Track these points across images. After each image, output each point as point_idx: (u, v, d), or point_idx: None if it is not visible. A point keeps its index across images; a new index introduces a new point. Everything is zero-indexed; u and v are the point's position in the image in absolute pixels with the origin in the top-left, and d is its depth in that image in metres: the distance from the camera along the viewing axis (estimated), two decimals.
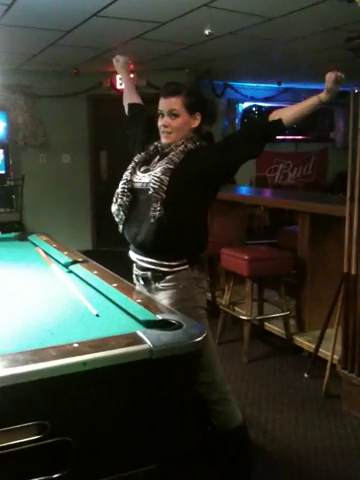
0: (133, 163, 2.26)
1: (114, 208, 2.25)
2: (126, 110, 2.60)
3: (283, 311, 3.65)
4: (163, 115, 2.15)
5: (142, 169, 2.21)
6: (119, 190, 2.22)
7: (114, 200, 2.25)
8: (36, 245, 3.00)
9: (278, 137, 8.88)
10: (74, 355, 1.40)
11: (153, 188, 2.05)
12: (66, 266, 2.52)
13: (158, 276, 2.18)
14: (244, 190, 5.68)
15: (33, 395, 1.34)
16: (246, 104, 8.49)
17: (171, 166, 2.07)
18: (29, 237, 3.27)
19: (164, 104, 2.13)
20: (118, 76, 6.37)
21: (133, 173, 2.23)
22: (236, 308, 4.01)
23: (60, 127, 6.58)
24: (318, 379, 3.17)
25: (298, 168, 9.25)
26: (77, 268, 2.36)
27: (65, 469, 1.41)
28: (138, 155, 2.29)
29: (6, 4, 3.65)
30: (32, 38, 4.71)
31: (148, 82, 6.42)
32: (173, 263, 2.15)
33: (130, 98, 2.64)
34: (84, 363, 1.38)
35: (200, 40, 4.73)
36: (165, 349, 1.49)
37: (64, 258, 2.61)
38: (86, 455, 1.46)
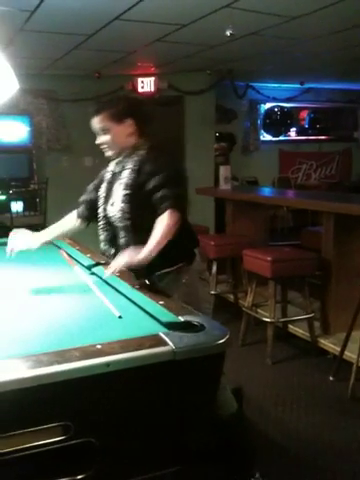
0: (102, 199, 2.30)
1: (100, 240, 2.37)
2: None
3: (307, 313, 3.60)
4: (98, 134, 2.23)
5: (110, 202, 2.25)
6: (99, 225, 2.32)
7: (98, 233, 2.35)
8: (59, 247, 3.04)
9: (301, 137, 8.83)
10: (97, 356, 1.41)
11: (117, 218, 2.18)
12: (89, 268, 2.54)
13: (159, 277, 2.22)
14: (267, 191, 5.65)
15: (57, 396, 1.35)
16: (268, 105, 8.44)
17: (127, 191, 2.14)
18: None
19: (94, 124, 2.21)
20: (140, 79, 6.40)
21: (105, 207, 2.27)
22: (259, 310, 3.98)
23: (82, 130, 6.56)
24: (344, 382, 3.12)
25: (322, 168, 9.14)
26: (100, 270, 2.37)
27: (89, 470, 1.42)
28: (101, 189, 2.32)
29: (29, 10, 3.71)
30: (55, 43, 4.77)
31: (169, 84, 6.44)
32: (169, 269, 2.20)
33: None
34: (107, 364, 1.39)
35: (222, 41, 4.72)
36: (188, 351, 1.49)
37: (87, 260, 2.63)
38: (110, 456, 1.47)
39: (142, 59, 5.83)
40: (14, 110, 6.01)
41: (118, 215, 2.17)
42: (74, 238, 3.25)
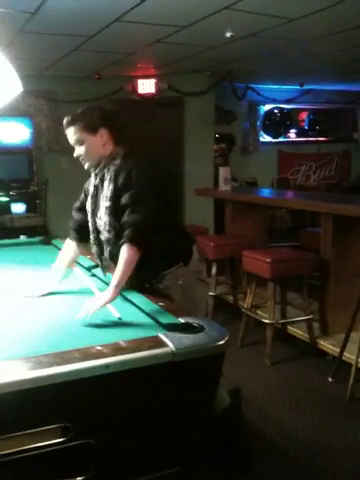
0: (90, 213, 2.27)
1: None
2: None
3: (306, 314, 3.61)
4: (74, 147, 2.20)
5: (98, 215, 2.23)
6: (90, 239, 2.31)
7: None
8: (60, 249, 3.04)
9: (300, 139, 8.84)
10: (97, 358, 1.42)
11: (103, 231, 2.19)
12: (89, 270, 2.55)
13: (157, 279, 2.23)
14: (266, 192, 5.66)
15: (57, 397, 1.36)
16: (268, 106, 8.44)
17: (107, 203, 2.13)
18: (53, 241, 3.32)
19: (68, 137, 2.19)
20: (140, 81, 6.41)
21: (94, 221, 2.26)
22: (258, 311, 3.99)
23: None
24: (343, 383, 3.12)
25: (321, 169, 9.14)
26: (100, 272, 2.38)
27: (88, 472, 1.42)
28: (87, 203, 2.30)
29: (30, 12, 3.71)
30: (55, 44, 4.78)
31: (169, 85, 6.45)
32: (166, 271, 2.21)
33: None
34: (107, 366, 1.40)
35: (221, 42, 4.73)
36: (187, 352, 1.50)
37: (87, 262, 2.64)
38: (109, 457, 1.47)
39: (142, 60, 5.84)
40: (15, 112, 6.01)
41: (105, 228, 2.17)
42: None
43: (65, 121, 2.17)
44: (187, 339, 1.55)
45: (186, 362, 1.49)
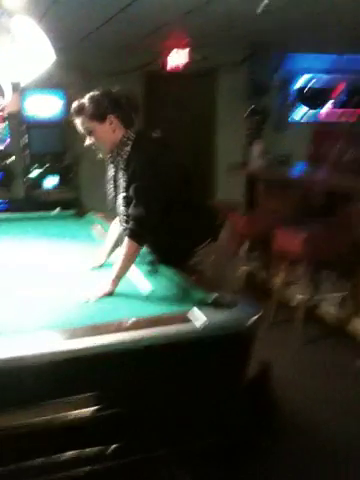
0: (113, 200, 2.27)
1: None
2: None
3: (339, 293, 3.55)
4: (85, 135, 2.17)
5: (117, 203, 2.22)
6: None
7: None
8: (93, 222, 3.07)
9: (338, 111, 8.57)
10: (129, 331, 1.43)
11: (122, 221, 2.19)
12: None
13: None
14: (299, 168, 5.54)
15: (90, 368, 1.38)
16: (304, 77, 8.18)
17: (123, 193, 2.12)
18: (86, 214, 3.35)
19: (77, 127, 2.15)
20: (172, 53, 6.30)
21: (115, 207, 2.26)
22: (290, 289, 3.95)
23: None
24: None
25: (358, 145, 8.86)
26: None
27: (120, 441, 1.45)
28: (109, 188, 2.30)
29: None
30: (88, 15, 4.73)
31: (202, 57, 6.31)
32: (196, 248, 2.20)
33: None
34: (139, 339, 1.41)
35: (257, 12, 4.58)
36: (219, 327, 1.50)
37: None
38: (140, 428, 1.50)
39: (175, 32, 5.73)
40: (48, 84, 6.01)
41: (122, 218, 2.18)
42: (107, 214, 3.27)
43: (72, 110, 2.13)
44: (219, 315, 1.55)
45: (217, 337, 1.49)
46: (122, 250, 1.99)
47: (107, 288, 1.93)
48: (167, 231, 2.13)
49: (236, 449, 1.78)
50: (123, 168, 2.11)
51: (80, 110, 2.10)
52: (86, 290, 1.91)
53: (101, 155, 2.22)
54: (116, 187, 2.21)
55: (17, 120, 5.90)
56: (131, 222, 2.00)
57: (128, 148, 2.10)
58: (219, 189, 6.73)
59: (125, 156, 2.11)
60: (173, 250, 2.16)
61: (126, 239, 2.00)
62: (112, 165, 2.24)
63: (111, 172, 2.26)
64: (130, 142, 2.11)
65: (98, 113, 2.08)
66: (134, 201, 2.02)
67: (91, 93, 2.12)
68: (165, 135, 2.26)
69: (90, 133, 2.12)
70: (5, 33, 2.31)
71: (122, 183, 2.11)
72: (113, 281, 1.94)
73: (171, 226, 2.12)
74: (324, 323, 3.79)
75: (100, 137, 2.12)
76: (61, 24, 5.03)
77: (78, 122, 2.12)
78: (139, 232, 2.00)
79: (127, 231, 2.00)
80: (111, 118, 2.09)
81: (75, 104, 2.13)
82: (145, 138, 2.16)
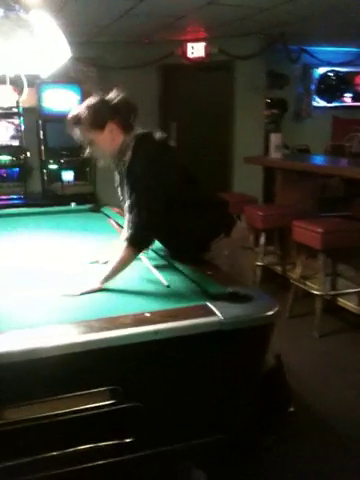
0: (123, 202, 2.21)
1: None
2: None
3: (357, 286, 3.51)
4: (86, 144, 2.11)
5: (124, 208, 2.17)
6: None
7: None
8: (109, 216, 3.08)
9: (356, 103, 8.44)
10: (146, 324, 1.43)
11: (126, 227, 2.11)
12: None
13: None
14: (318, 159, 5.47)
15: (107, 361, 1.39)
16: (322, 69, 8.07)
17: (128, 201, 2.05)
18: (102, 209, 3.36)
19: (76, 136, 2.08)
20: (190, 44, 6.26)
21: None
22: (308, 282, 3.91)
23: (131, 98, 6.62)
24: None
25: None
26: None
27: (136, 434, 1.46)
28: (120, 196, 2.26)
29: None
30: (105, 9, 4.72)
31: (220, 49, 6.26)
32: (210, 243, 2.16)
33: None
34: (156, 332, 1.41)
35: (275, 3, 4.52)
36: (235, 321, 1.49)
37: None
38: (156, 422, 1.51)
39: (192, 24, 5.69)
40: (64, 79, 6.03)
41: (128, 224, 2.13)
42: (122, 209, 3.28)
43: (69, 120, 2.07)
44: (235, 308, 1.54)
45: (234, 332, 1.48)
46: (118, 253, 1.95)
47: (92, 287, 1.89)
48: (175, 231, 2.11)
49: (247, 445, 1.77)
50: (126, 175, 2.07)
51: (78, 120, 2.04)
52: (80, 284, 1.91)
53: (102, 163, 2.17)
54: (123, 194, 2.18)
55: (33, 115, 5.94)
56: (131, 228, 1.95)
57: (129, 154, 2.05)
58: (236, 181, 6.69)
59: (127, 163, 2.06)
60: (184, 248, 2.15)
61: (125, 245, 1.95)
62: (117, 172, 2.21)
63: (117, 178, 2.23)
64: (130, 148, 2.05)
65: (97, 122, 2.02)
66: (135, 208, 1.96)
67: (88, 101, 2.06)
68: (166, 135, 2.17)
69: (91, 143, 2.07)
70: (22, 28, 2.32)
71: (127, 190, 2.07)
72: (101, 281, 1.90)
73: (178, 226, 2.09)
74: (342, 316, 3.76)
75: (101, 146, 2.07)
76: (78, 18, 5.03)
77: (77, 132, 2.06)
78: (138, 239, 1.95)
79: (128, 236, 1.96)
80: (111, 125, 2.03)
81: (72, 113, 2.07)
82: (145, 141, 2.08)
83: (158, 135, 2.12)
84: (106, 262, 2.09)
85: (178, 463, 1.78)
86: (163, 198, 2.00)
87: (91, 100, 2.07)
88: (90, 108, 2.03)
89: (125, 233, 2.10)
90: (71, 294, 1.84)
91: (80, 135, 2.06)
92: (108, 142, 2.06)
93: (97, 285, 1.90)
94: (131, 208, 1.99)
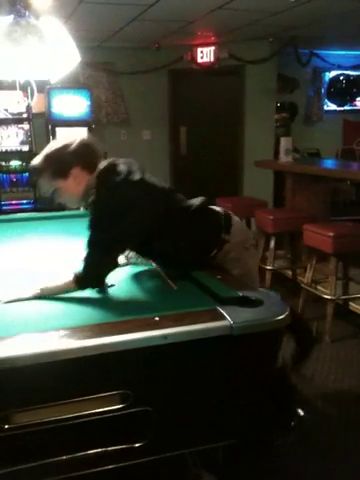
0: None
1: None
2: None
3: None
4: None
5: None
6: None
7: None
8: None
9: None
10: (155, 328, 1.42)
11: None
12: None
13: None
14: (329, 163, 5.44)
15: (116, 365, 1.38)
16: (333, 73, 8.04)
17: None
18: None
19: (43, 184, 2.06)
20: (199, 49, 6.27)
21: None
22: (318, 286, 3.88)
23: (141, 103, 6.63)
24: None
25: None
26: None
27: (146, 439, 1.45)
28: None
29: None
30: (115, 14, 4.75)
31: (230, 53, 6.27)
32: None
33: None
34: (165, 336, 1.40)
35: (285, 7, 4.51)
36: (246, 326, 1.48)
37: None
38: (166, 426, 1.49)
39: (202, 28, 5.70)
40: (74, 84, 6.08)
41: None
42: None
43: (31, 172, 2.07)
44: (246, 313, 1.53)
45: (244, 336, 1.47)
46: (66, 277, 1.88)
47: (25, 294, 1.86)
48: (165, 256, 2.04)
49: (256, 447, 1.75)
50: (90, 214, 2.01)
51: (41, 171, 1.99)
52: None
53: (73, 207, 2.16)
54: None
55: (43, 120, 5.98)
56: (83, 267, 1.86)
57: (92, 197, 1.97)
58: (247, 185, 6.68)
59: (90, 204, 1.99)
60: (177, 269, 2.06)
61: (73, 277, 1.86)
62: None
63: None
64: (93, 190, 1.98)
65: (60, 170, 1.96)
66: (89, 248, 1.88)
67: (48, 150, 2.00)
68: (130, 161, 2.07)
69: (57, 192, 2.02)
70: (32, 34, 2.33)
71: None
72: (36, 292, 1.87)
73: (167, 251, 2.02)
74: (354, 321, 3.72)
75: (69, 192, 2.02)
76: (87, 24, 5.07)
77: (41, 182, 2.05)
78: (85, 281, 1.87)
79: (78, 271, 1.86)
80: (74, 171, 1.97)
81: (34, 165, 2.01)
82: (106, 179, 1.97)
83: (121, 166, 2.00)
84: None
85: (188, 467, 1.77)
86: (126, 238, 1.93)
87: (51, 149, 2.00)
88: (51, 159, 1.97)
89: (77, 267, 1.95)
90: (9, 299, 1.82)
91: (45, 184, 2.03)
92: (74, 188, 2.00)
93: (28, 294, 1.86)
94: (87, 246, 1.90)
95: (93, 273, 1.88)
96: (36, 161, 2.01)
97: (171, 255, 2.04)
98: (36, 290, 1.88)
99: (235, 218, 2.22)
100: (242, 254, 2.18)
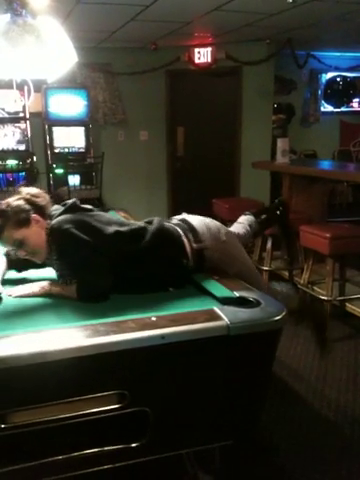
0: None
1: None
2: None
3: None
4: (18, 249, 2.02)
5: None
6: None
7: None
8: None
9: None
10: (153, 328, 1.42)
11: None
12: None
13: None
14: (326, 164, 5.45)
15: (114, 365, 1.38)
16: (330, 74, 8.07)
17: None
18: (108, 213, 3.36)
19: (6, 243, 2.01)
20: (196, 50, 6.28)
21: None
22: (315, 288, 3.89)
23: (138, 104, 6.64)
24: None
25: None
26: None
27: (143, 439, 1.45)
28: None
29: None
30: (112, 14, 4.74)
31: (227, 54, 6.28)
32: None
33: None
34: (162, 336, 1.40)
35: (282, 9, 4.52)
36: (243, 326, 1.48)
37: None
38: (163, 426, 1.49)
39: (199, 29, 5.70)
40: (71, 84, 6.07)
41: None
42: (128, 211, 3.29)
43: None
44: (243, 313, 1.53)
45: (241, 336, 1.47)
46: (70, 287, 1.88)
47: (36, 289, 1.91)
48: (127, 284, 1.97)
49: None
50: (56, 261, 1.99)
51: (2, 227, 1.93)
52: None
53: (39, 261, 2.07)
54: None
55: (40, 119, 5.98)
56: (80, 284, 1.87)
57: (52, 246, 1.97)
58: (243, 186, 6.68)
59: (55, 253, 1.98)
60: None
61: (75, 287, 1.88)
62: (52, 267, 2.08)
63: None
64: (49, 235, 1.98)
65: (22, 219, 1.94)
66: (80, 270, 1.89)
67: (2, 206, 1.96)
68: (73, 201, 2.15)
69: (21, 244, 1.97)
70: (29, 33, 2.32)
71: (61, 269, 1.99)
72: (47, 288, 1.91)
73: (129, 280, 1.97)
74: (350, 322, 3.72)
75: (33, 243, 1.97)
76: (85, 24, 5.06)
77: (6, 238, 1.97)
78: (82, 290, 1.87)
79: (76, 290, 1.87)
80: (35, 218, 1.97)
81: None
82: (57, 223, 1.96)
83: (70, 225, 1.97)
84: None
85: (185, 468, 1.76)
86: (97, 251, 1.91)
87: (2, 204, 1.98)
88: (10, 208, 1.95)
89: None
90: (9, 294, 1.88)
91: (9, 240, 1.97)
92: (38, 236, 1.98)
93: (41, 288, 1.91)
94: (72, 271, 1.91)
95: (91, 287, 1.87)
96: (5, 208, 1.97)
97: (147, 282, 1.97)
98: (46, 286, 1.92)
99: (194, 221, 2.18)
100: (225, 249, 2.17)
